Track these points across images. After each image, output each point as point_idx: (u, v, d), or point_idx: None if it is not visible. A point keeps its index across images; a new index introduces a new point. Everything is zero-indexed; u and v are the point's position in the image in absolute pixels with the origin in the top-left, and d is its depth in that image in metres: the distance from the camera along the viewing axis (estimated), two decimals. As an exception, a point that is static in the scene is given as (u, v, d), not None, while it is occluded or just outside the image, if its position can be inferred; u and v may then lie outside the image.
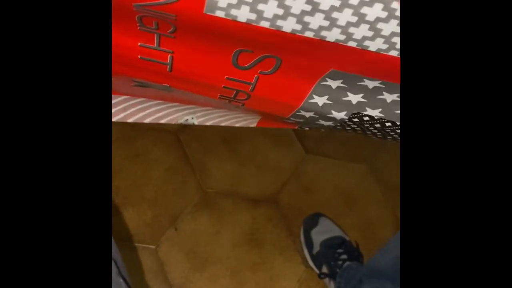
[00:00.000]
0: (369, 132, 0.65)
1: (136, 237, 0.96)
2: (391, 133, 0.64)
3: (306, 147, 1.15)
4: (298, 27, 0.50)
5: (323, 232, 1.01)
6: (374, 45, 0.51)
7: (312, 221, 1.03)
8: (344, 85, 0.57)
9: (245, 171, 1.09)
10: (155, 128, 1.08)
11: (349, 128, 0.66)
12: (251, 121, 0.77)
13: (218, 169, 1.07)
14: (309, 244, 1.01)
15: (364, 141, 1.19)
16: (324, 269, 0.96)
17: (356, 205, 1.12)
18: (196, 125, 1.10)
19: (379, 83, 0.55)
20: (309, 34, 0.51)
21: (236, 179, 1.07)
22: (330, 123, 0.65)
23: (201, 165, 1.07)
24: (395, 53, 0.51)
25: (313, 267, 1.00)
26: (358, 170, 1.16)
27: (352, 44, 0.51)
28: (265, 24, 0.50)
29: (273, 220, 1.05)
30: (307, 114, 0.63)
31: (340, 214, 1.09)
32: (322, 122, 0.65)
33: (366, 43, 0.51)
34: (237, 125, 0.80)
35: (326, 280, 0.96)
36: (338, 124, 0.64)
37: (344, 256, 0.95)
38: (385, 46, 0.51)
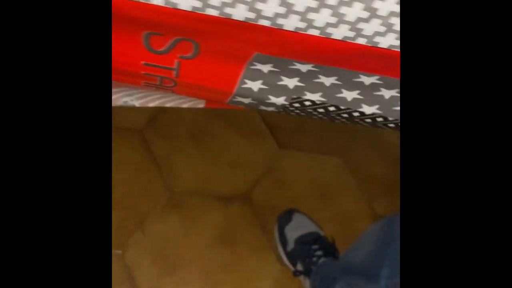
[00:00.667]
0: (315, 116, 0.61)
1: (101, 242, 0.91)
2: (337, 117, 0.59)
3: (279, 141, 1.12)
4: (198, 4, 0.45)
5: (297, 228, 0.97)
6: (290, 24, 0.45)
7: (286, 218, 1.00)
8: (276, 69, 0.52)
9: (215, 168, 1.05)
10: (118, 128, 1.03)
11: (292, 113, 0.61)
12: (198, 102, 0.72)
13: (186, 167, 1.03)
14: (283, 242, 0.97)
15: (339, 133, 1.16)
16: (299, 267, 0.93)
17: (332, 198, 1.09)
18: (163, 123, 1.05)
19: (312, 67, 0.51)
20: (212, 12, 0.45)
21: (206, 177, 1.03)
22: (272, 108, 0.60)
23: (168, 163, 1.02)
24: (315, 32, 0.45)
25: (288, 264, 0.96)
26: (333, 163, 1.13)
27: (264, 22, 0.45)
28: (157, 1, 0.45)
29: (246, 218, 1.02)
30: (245, 100, 0.58)
31: (316, 209, 1.05)
32: (263, 107, 0.60)
33: (280, 21, 0.45)
34: (184, 106, 0.75)
35: (302, 277, 0.93)
36: (281, 110, 0.60)
37: (319, 252, 0.92)
38: (303, 25, 0.45)
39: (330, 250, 0.94)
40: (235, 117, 1.11)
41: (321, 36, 0.45)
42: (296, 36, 0.46)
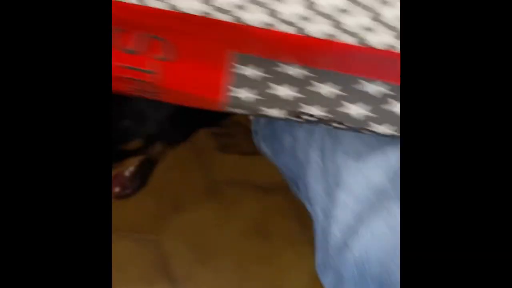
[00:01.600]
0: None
1: (137, 227, 0.93)
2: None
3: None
4: None
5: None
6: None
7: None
8: (267, 75, 0.42)
9: (256, 158, 1.02)
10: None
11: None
12: None
13: (228, 157, 1.02)
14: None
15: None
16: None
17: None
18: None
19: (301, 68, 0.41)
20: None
21: (245, 166, 1.01)
22: (281, 114, 0.47)
23: (208, 153, 1.02)
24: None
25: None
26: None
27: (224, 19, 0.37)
28: None
29: (284, 210, 0.98)
30: (240, 111, 0.48)
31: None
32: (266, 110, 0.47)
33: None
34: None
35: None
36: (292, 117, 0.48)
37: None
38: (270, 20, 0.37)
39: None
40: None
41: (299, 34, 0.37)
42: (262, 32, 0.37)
